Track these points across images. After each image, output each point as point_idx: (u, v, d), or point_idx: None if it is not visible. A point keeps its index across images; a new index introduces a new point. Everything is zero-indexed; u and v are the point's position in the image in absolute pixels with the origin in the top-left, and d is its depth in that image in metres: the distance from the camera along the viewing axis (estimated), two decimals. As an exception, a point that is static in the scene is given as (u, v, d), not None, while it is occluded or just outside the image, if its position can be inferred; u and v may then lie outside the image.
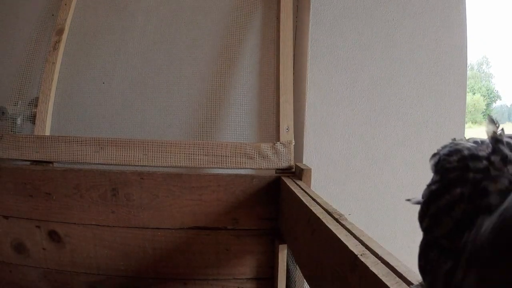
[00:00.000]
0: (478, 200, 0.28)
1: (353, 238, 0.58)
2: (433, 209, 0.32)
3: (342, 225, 0.64)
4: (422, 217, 0.34)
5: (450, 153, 0.33)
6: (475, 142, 0.34)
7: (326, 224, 0.65)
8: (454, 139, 0.36)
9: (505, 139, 0.31)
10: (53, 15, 1.37)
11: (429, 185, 0.35)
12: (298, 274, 1.18)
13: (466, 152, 0.32)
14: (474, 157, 0.31)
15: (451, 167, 0.32)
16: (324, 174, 1.24)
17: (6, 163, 1.20)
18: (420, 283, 0.39)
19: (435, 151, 0.36)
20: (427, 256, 0.32)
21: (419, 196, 0.37)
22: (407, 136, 1.25)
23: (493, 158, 0.30)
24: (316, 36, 1.24)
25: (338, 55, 1.25)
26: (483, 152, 0.31)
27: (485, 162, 0.30)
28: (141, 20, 1.38)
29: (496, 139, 0.31)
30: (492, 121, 0.32)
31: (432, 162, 0.35)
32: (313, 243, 0.74)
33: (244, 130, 1.30)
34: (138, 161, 1.17)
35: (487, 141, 0.32)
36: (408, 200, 0.40)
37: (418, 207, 0.35)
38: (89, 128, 1.34)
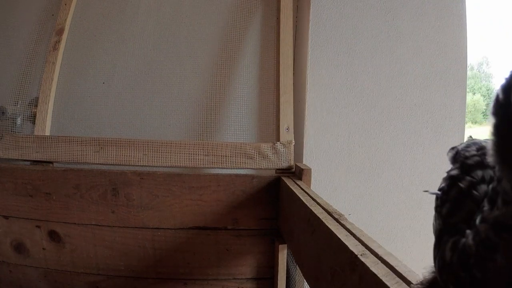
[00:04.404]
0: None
1: (353, 238, 0.58)
2: (455, 192, 0.33)
3: (342, 225, 0.64)
4: (443, 202, 0.34)
5: (468, 145, 0.36)
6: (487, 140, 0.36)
7: (326, 224, 0.65)
8: (470, 137, 0.38)
9: None
10: (53, 15, 1.37)
11: (448, 172, 0.36)
12: (298, 274, 1.18)
13: (484, 144, 0.34)
14: None
15: (471, 155, 0.34)
16: (324, 174, 1.24)
17: (6, 163, 1.19)
18: (421, 282, 0.39)
19: (452, 147, 0.38)
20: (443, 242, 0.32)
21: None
22: (407, 136, 1.25)
23: None
24: (316, 36, 1.24)
25: (338, 55, 1.25)
26: None
27: None
28: (141, 20, 1.38)
29: None
30: None
31: (450, 154, 0.37)
32: (313, 243, 0.74)
33: (244, 130, 1.30)
34: (138, 161, 1.17)
35: None
36: (426, 191, 0.40)
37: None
38: (89, 128, 1.34)
